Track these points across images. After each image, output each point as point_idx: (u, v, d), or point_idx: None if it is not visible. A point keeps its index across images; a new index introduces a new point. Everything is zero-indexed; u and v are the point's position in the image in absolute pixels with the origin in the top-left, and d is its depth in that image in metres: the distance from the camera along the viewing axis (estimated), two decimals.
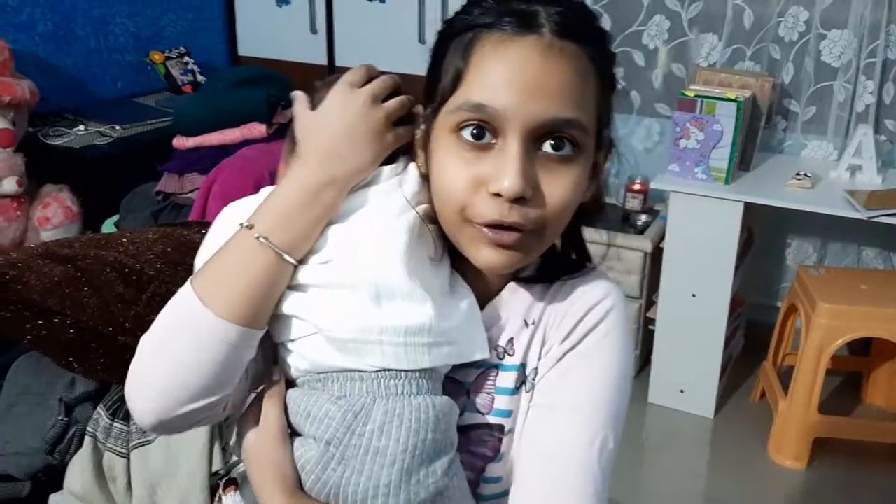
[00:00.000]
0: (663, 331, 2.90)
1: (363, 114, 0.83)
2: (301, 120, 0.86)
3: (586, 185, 0.82)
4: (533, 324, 0.86)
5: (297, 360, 0.81)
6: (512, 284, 0.88)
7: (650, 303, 3.06)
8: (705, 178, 2.77)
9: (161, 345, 0.79)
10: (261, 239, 0.77)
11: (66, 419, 1.34)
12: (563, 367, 0.83)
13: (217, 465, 1.34)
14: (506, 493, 0.82)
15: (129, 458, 1.34)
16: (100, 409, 1.35)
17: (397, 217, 0.81)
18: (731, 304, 2.85)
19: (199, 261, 0.83)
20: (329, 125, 0.83)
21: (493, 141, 0.76)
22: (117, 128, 3.01)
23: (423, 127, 0.84)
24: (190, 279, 0.80)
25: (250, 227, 0.78)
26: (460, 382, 0.84)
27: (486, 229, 0.77)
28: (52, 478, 1.37)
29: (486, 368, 0.85)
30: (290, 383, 0.83)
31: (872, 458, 2.74)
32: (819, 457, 2.73)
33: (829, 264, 3.23)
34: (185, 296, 0.78)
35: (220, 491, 1.29)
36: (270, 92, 2.46)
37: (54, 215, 2.76)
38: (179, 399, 0.77)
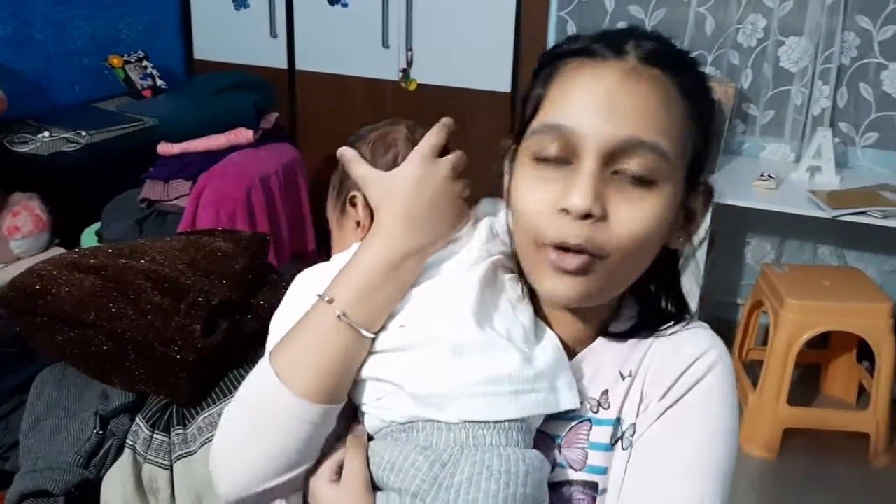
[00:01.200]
0: None
1: (446, 185, 0.83)
2: (372, 183, 0.84)
3: (670, 223, 0.77)
4: (630, 376, 0.81)
5: (381, 413, 0.79)
6: (602, 339, 0.84)
7: None
8: None
9: (242, 425, 0.79)
10: (341, 316, 0.77)
11: (101, 432, 1.32)
12: (664, 425, 0.78)
13: None
14: None
15: (171, 470, 1.32)
16: (139, 421, 1.33)
17: (467, 271, 0.80)
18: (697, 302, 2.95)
19: (275, 326, 0.83)
20: (411, 194, 0.81)
21: (569, 164, 0.74)
22: (84, 134, 2.94)
23: (507, 163, 0.83)
24: (268, 353, 0.79)
25: (330, 301, 0.78)
26: (550, 436, 0.81)
27: (551, 253, 0.74)
28: (86, 492, 1.34)
29: (578, 422, 0.81)
30: (370, 438, 0.81)
31: (836, 446, 2.87)
32: (788, 446, 2.85)
33: (786, 261, 3.37)
34: (264, 373, 0.78)
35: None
36: (257, 97, 2.44)
37: (24, 224, 2.68)
38: (260, 478, 0.78)
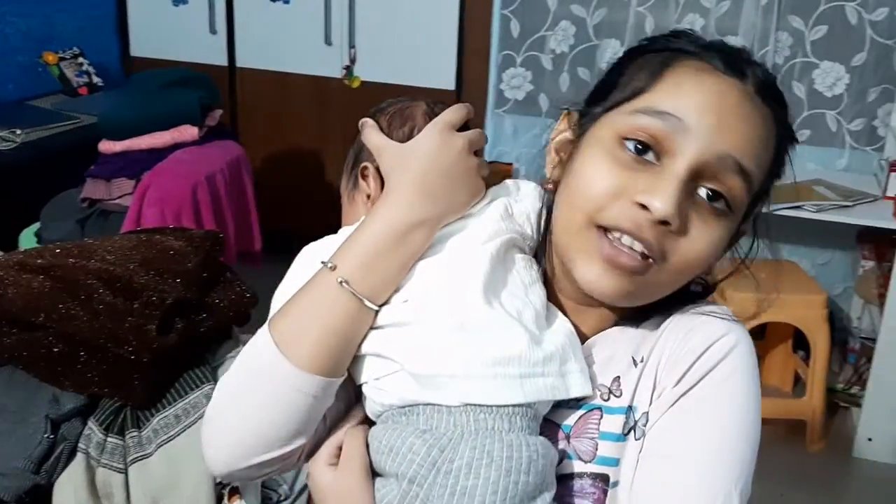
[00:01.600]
0: None
1: (462, 158, 0.79)
2: (386, 152, 0.81)
3: (721, 253, 0.77)
4: (642, 361, 0.77)
5: (380, 395, 0.76)
6: (619, 325, 0.81)
7: None
8: None
9: (237, 393, 0.76)
10: (343, 283, 0.73)
11: (52, 436, 1.28)
12: (678, 414, 0.73)
13: None
14: None
15: (126, 474, 1.30)
16: (91, 425, 1.30)
17: (480, 247, 0.77)
18: None
19: (278, 299, 0.79)
20: (425, 164, 0.78)
21: (655, 162, 0.72)
22: (19, 132, 2.84)
23: (568, 132, 0.81)
24: (268, 321, 0.75)
25: (333, 268, 0.74)
26: (558, 425, 0.76)
27: (605, 243, 0.72)
28: (38, 499, 1.31)
29: (588, 410, 0.76)
30: (371, 422, 0.78)
31: (774, 434, 2.96)
32: None
33: (725, 257, 3.45)
34: (262, 341, 0.74)
35: (226, 500, 1.27)
36: (202, 93, 2.40)
37: None
38: (253, 449, 0.74)
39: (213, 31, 3.80)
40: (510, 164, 3.52)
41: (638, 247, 0.71)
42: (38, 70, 3.43)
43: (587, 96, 0.81)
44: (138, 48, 3.96)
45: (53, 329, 1.27)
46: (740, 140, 0.72)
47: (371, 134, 0.82)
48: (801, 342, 3.02)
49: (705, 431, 0.73)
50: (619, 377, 0.77)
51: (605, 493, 0.75)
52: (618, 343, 0.79)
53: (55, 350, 1.26)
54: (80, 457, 1.30)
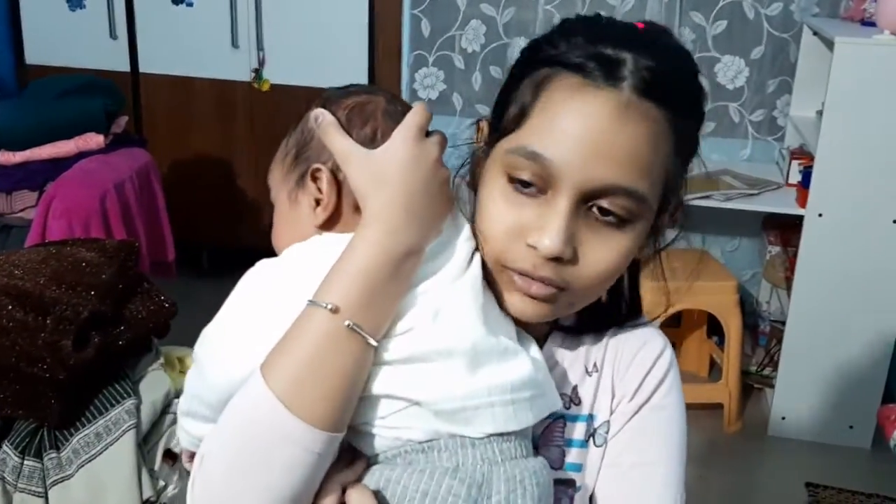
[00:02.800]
0: None
1: (437, 170, 0.73)
2: (355, 161, 0.73)
3: (637, 249, 0.77)
4: (595, 371, 0.81)
5: (392, 432, 0.70)
6: (557, 333, 0.82)
7: None
8: None
9: (239, 470, 0.66)
10: (351, 325, 0.67)
11: None
12: (638, 424, 0.79)
13: (148, 491, 1.26)
14: None
15: (46, 497, 1.23)
16: (6, 448, 1.23)
17: (463, 272, 0.73)
18: None
19: (241, 332, 0.71)
20: (407, 181, 0.71)
21: (542, 193, 0.71)
22: None
23: (483, 143, 0.79)
24: (262, 376, 0.67)
25: (335, 310, 0.67)
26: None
27: (517, 277, 0.73)
28: None
29: (553, 420, 0.78)
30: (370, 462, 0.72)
31: (692, 418, 3.03)
32: None
33: None
34: (259, 399, 0.66)
35: None
36: (106, 101, 2.31)
37: None
38: None
39: (113, 36, 3.67)
40: None
41: (540, 279, 0.73)
42: None
43: (493, 107, 0.79)
44: (34, 56, 3.80)
45: None
46: (618, 163, 0.70)
47: (334, 136, 0.74)
48: (714, 328, 3.11)
49: (662, 437, 0.79)
50: (576, 386, 0.80)
51: (571, 499, 0.78)
52: (564, 353, 0.82)
53: None
54: None
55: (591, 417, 0.80)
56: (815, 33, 2.92)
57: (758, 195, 2.88)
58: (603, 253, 0.72)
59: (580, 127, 0.69)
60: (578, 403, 0.79)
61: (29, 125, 2.30)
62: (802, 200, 2.72)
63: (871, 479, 2.63)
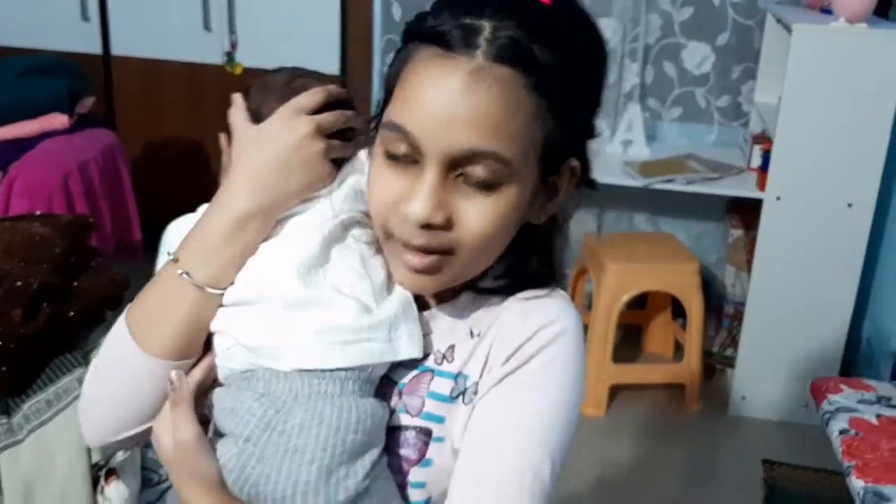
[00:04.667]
0: None
1: (302, 144, 0.81)
2: (239, 136, 0.84)
3: (523, 211, 0.78)
4: (479, 335, 0.83)
5: (227, 362, 0.82)
6: (467, 293, 0.85)
7: None
8: None
9: (102, 377, 0.85)
10: (183, 275, 0.80)
11: None
12: (502, 392, 0.79)
13: (96, 456, 1.29)
14: (429, 502, 0.82)
15: None
16: None
17: (312, 231, 0.81)
18: None
19: None
20: (264, 153, 0.81)
21: (416, 160, 0.74)
22: None
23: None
24: (126, 309, 0.83)
25: (175, 260, 0.81)
26: (395, 382, 0.83)
27: (403, 250, 0.77)
28: None
29: (422, 371, 0.83)
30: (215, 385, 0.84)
31: (656, 397, 3.10)
32: (615, 403, 3.05)
33: (606, 230, 3.58)
34: (120, 330, 0.82)
35: (103, 482, 1.26)
36: (69, 80, 2.32)
37: None
38: (119, 426, 0.84)
39: (85, 17, 3.67)
40: None
41: (420, 248, 0.76)
42: None
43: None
44: (3, 37, 3.79)
45: None
46: (474, 128, 0.71)
47: (233, 111, 0.86)
48: (680, 311, 3.16)
49: (523, 411, 0.79)
50: (453, 346, 0.83)
51: (426, 444, 0.82)
52: (461, 314, 0.84)
53: None
54: None
55: (460, 376, 0.82)
56: (778, 21, 2.96)
57: (720, 179, 2.92)
58: (476, 217, 0.75)
59: (433, 96, 0.72)
60: (451, 361, 0.83)
61: None
62: (762, 184, 2.77)
63: (822, 455, 2.69)
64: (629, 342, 3.43)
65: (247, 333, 0.79)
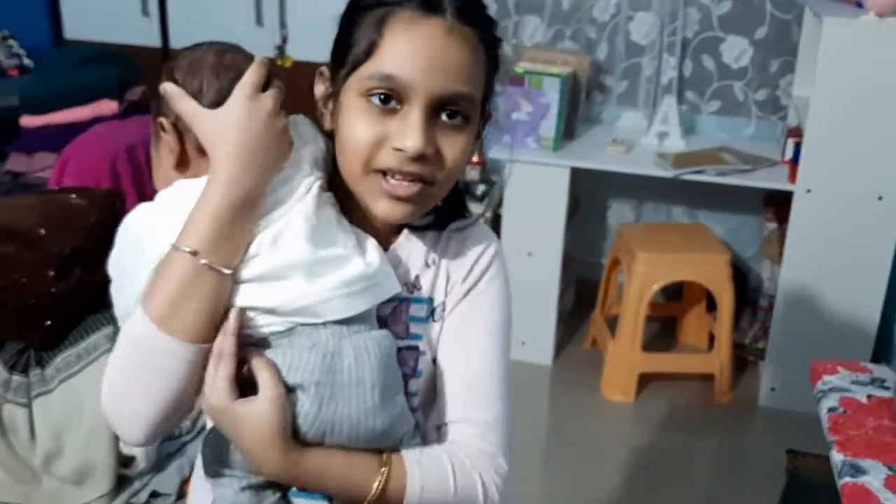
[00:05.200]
0: None
1: (271, 123, 0.88)
2: (200, 121, 0.88)
3: (472, 149, 0.94)
4: (433, 263, 0.99)
5: (258, 329, 0.87)
6: (406, 232, 0.99)
7: None
8: (535, 147, 3.04)
9: (132, 377, 0.85)
10: (208, 264, 0.84)
11: None
12: (468, 304, 0.99)
13: None
14: (419, 407, 0.98)
15: (30, 408, 1.39)
16: None
17: (299, 202, 0.90)
18: (562, 261, 3.15)
19: (119, 272, 0.90)
20: (243, 136, 0.87)
21: (398, 107, 0.88)
22: None
23: (327, 87, 0.94)
24: (142, 305, 0.85)
25: (194, 252, 0.84)
26: (379, 316, 0.95)
27: (383, 181, 0.89)
28: None
29: (399, 302, 0.96)
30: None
31: (686, 388, 3.13)
32: (645, 391, 3.09)
33: (645, 222, 3.61)
34: (141, 324, 0.84)
35: None
36: (119, 69, 2.47)
37: None
38: (160, 418, 0.86)
39: (145, 13, 3.84)
40: None
41: (411, 175, 0.90)
42: None
43: (331, 54, 0.95)
44: (72, 31, 4.00)
45: None
46: (454, 74, 0.88)
47: (181, 100, 0.89)
48: (714, 303, 3.17)
49: (487, 314, 0.99)
50: (418, 276, 0.99)
51: (416, 360, 0.97)
52: (412, 251, 0.99)
53: None
54: None
55: (430, 300, 0.98)
56: (815, 14, 2.95)
57: (752, 171, 2.93)
58: (455, 149, 0.90)
59: (421, 49, 0.87)
60: (420, 289, 0.98)
61: (49, 92, 2.48)
62: (793, 177, 2.77)
63: None
64: (665, 333, 3.46)
65: (283, 302, 0.86)
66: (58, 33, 3.98)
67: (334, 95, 0.93)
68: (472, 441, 0.94)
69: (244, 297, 0.87)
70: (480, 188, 3.36)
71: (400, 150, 0.88)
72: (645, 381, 3.10)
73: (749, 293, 3.44)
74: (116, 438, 1.41)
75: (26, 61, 3.59)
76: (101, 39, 3.82)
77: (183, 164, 0.93)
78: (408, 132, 0.87)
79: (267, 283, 0.87)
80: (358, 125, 0.89)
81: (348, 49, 0.91)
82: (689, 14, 3.28)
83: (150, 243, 0.87)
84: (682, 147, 3.17)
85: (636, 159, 3.08)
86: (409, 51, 0.87)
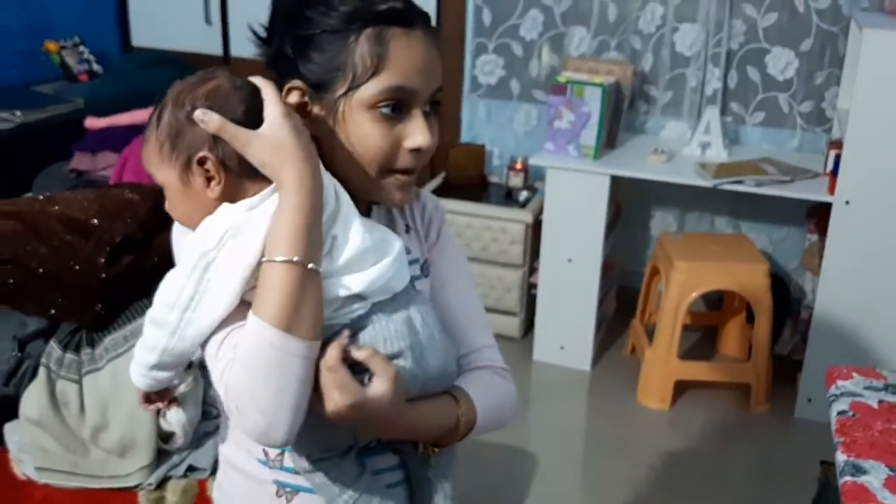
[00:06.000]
0: (544, 294, 3.22)
1: (305, 134, 0.96)
2: (254, 143, 0.92)
3: None
4: (411, 228, 1.15)
5: (341, 318, 0.97)
6: (375, 207, 1.12)
7: (532, 270, 3.38)
8: (577, 155, 3.10)
9: (261, 382, 0.89)
10: (314, 268, 0.91)
11: (19, 354, 1.50)
12: (443, 254, 1.17)
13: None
14: None
15: (80, 384, 1.51)
16: (52, 343, 1.52)
17: (341, 196, 0.99)
18: (602, 268, 3.20)
19: (170, 284, 0.93)
20: (300, 147, 0.94)
21: (402, 112, 1.01)
22: (18, 113, 3.08)
23: (316, 107, 1.00)
24: (266, 323, 0.89)
25: (297, 262, 0.90)
26: None
27: (401, 176, 1.03)
28: (7, 409, 1.52)
29: None
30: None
31: (724, 397, 3.14)
32: (682, 398, 3.11)
33: (687, 231, 3.63)
34: (274, 339, 0.89)
35: (164, 406, 1.47)
36: (177, 75, 2.61)
37: None
38: (301, 414, 0.92)
39: (208, 21, 4.02)
40: (483, 145, 3.71)
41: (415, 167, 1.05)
42: (40, 58, 3.68)
43: (310, 75, 1.00)
44: (139, 38, 4.20)
45: (20, 263, 1.48)
46: (436, 72, 1.03)
47: (227, 128, 0.92)
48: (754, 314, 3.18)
49: (453, 261, 1.18)
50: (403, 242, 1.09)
51: None
52: (392, 220, 1.14)
53: (20, 281, 1.48)
54: (42, 371, 1.51)
55: (418, 260, 1.13)
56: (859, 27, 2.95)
57: (792, 182, 2.94)
58: (436, 134, 1.04)
59: (419, 60, 1.00)
60: (409, 253, 1.10)
61: (111, 95, 2.64)
62: (832, 188, 2.78)
63: None
64: (705, 342, 3.48)
65: (369, 282, 0.97)
66: (126, 40, 4.19)
67: (329, 111, 1.00)
68: (494, 361, 1.15)
69: (331, 288, 0.94)
70: (523, 194, 3.43)
71: (416, 149, 1.01)
72: (682, 388, 3.12)
73: (791, 305, 3.43)
74: (156, 414, 1.53)
75: (95, 66, 3.78)
76: (166, 47, 4.02)
77: (229, 193, 0.95)
78: (419, 133, 1.01)
79: (351, 272, 0.96)
80: (372, 135, 1.00)
81: (340, 68, 0.98)
82: (734, 26, 3.31)
83: (218, 268, 0.92)
84: (725, 157, 3.20)
85: (676, 169, 3.11)
86: (412, 64, 1.00)
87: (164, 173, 0.97)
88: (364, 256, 0.97)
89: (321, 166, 0.98)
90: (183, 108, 0.94)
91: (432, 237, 1.18)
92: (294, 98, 1.01)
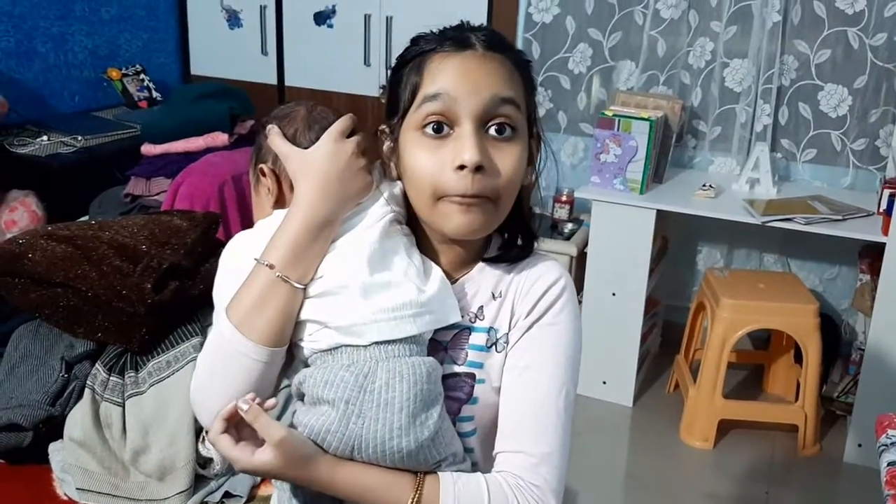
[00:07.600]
0: (587, 327, 3.11)
1: (351, 161, 1.01)
2: (290, 159, 1.01)
3: (526, 167, 1.01)
4: (500, 296, 1.05)
5: (312, 345, 0.98)
6: (480, 264, 1.06)
7: None
8: (622, 189, 3.09)
9: (213, 370, 0.97)
10: (281, 276, 0.95)
11: (66, 375, 1.55)
12: (532, 336, 1.03)
13: None
14: (474, 432, 1.03)
15: (124, 407, 1.55)
16: (98, 366, 1.56)
17: (368, 228, 1.00)
18: (647, 303, 3.17)
19: (219, 285, 1.02)
20: (324, 170, 0.99)
21: (451, 131, 0.96)
22: (80, 138, 3.19)
23: (388, 142, 1.04)
24: (226, 310, 0.97)
25: (270, 266, 0.96)
26: (439, 342, 1.03)
27: (456, 199, 0.96)
28: (52, 429, 1.57)
29: (460, 329, 1.03)
30: (306, 365, 1.00)
31: (771, 438, 3.07)
32: (726, 438, 3.05)
33: (734, 268, 3.58)
34: (224, 327, 0.96)
35: (204, 433, 1.51)
36: (232, 105, 2.69)
37: (20, 219, 2.93)
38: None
39: (264, 52, 4.12)
40: None
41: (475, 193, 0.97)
42: (103, 84, 3.81)
43: (386, 113, 1.05)
44: (198, 67, 4.33)
45: (70, 287, 1.54)
46: (491, 83, 0.97)
47: (277, 141, 1.03)
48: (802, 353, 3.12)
49: (551, 346, 1.02)
50: (482, 307, 1.05)
51: (472, 386, 1.02)
52: (481, 282, 1.06)
53: (70, 304, 1.53)
54: (87, 393, 1.56)
55: (492, 330, 1.04)
56: None
57: (843, 221, 2.89)
58: (508, 161, 0.98)
59: (460, 70, 0.97)
60: (482, 319, 1.04)
61: (169, 123, 2.72)
62: (886, 228, 2.72)
63: None
64: (751, 382, 3.41)
65: (334, 317, 0.96)
66: (186, 69, 4.32)
67: (394, 144, 1.03)
68: (522, 472, 0.97)
69: (306, 311, 0.98)
70: (568, 227, 3.43)
71: (460, 166, 0.95)
72: (727, 428, 3.06)
73: (841, 346, 3.36)
74: (196, 440, 1.56)
75: (155, 94, 3.90)
76: (224, 76, 4.13)
77: (280, 202, 1.06)
78: (464, 148, 0.95)
79: (324, 299, 0.97)
80: (419, 157, 0.97)
81: (398, 101, 1.01)
82: (786, 62, 3.28)
83: (246, 263, 0.98)
84: (774, 194, 3.15)
85: (724, 205, 3.08)
86: (450, 74, 0.97)
87: (250, 176, 1.11)
88: (345, 290, 0.96)
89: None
90: (265, 125, 1.07)
91: (532, 314, 1.04)
92: (383, 142, 1.05)
